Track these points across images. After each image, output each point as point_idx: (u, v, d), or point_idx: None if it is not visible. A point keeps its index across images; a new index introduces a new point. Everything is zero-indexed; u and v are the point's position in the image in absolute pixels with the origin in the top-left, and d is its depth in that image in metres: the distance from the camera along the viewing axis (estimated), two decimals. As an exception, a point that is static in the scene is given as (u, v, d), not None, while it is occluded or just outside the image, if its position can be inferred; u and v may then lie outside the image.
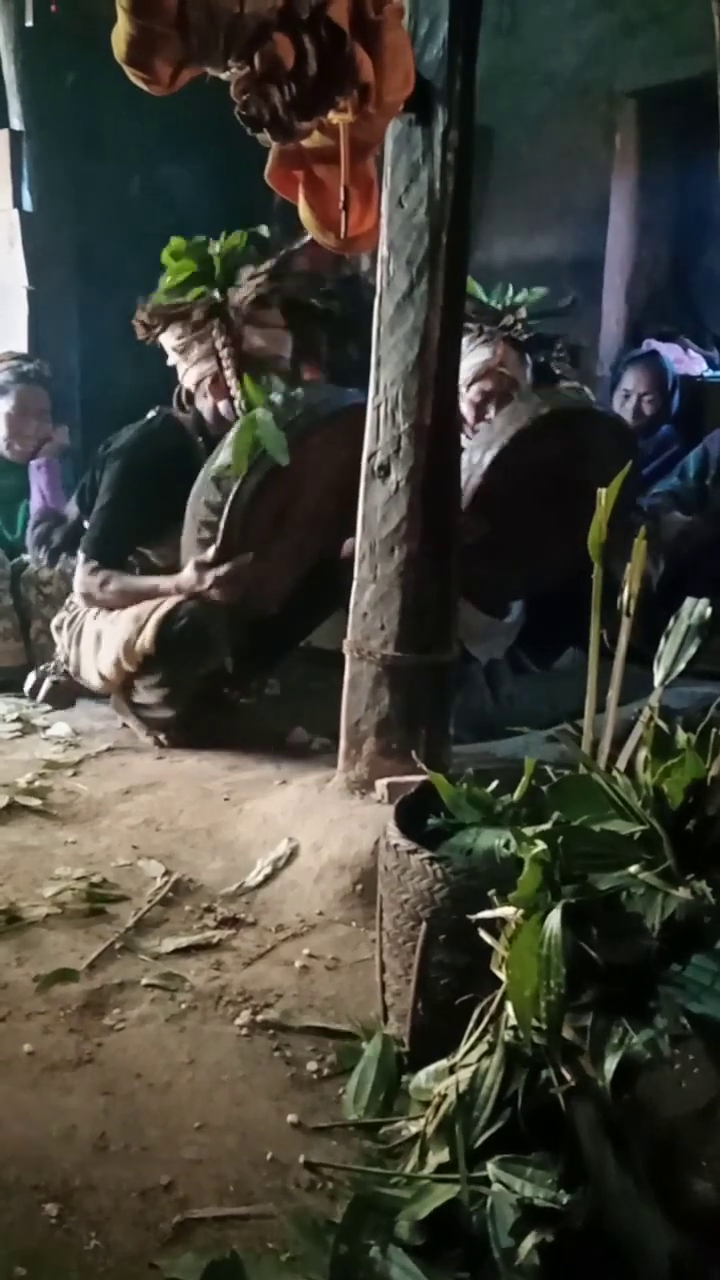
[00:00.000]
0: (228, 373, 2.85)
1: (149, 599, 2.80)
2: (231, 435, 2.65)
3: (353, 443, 2.79)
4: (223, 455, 2.66)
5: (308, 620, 3.09)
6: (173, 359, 2.95)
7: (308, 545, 2.92)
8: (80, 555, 2.96)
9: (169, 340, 2.91)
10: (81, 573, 2.94)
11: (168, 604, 2.76)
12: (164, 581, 2.82)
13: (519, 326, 3.05)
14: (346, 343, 3.39)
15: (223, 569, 2.68)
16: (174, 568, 2.83)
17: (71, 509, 3.41)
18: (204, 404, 2.94)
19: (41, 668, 3.26)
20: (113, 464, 2.94)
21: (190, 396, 2.98)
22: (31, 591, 3.43)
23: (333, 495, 2.87)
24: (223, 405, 2.89)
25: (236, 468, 2.62)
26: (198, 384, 2.92)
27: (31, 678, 3.23)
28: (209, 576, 2.70)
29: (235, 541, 2.68)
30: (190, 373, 2.92)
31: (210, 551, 2.70)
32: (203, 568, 2.72)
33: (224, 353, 2.84)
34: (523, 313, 3.06)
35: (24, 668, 3.36)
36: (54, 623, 3.14)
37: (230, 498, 2.65)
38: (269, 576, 2.85)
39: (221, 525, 2.67)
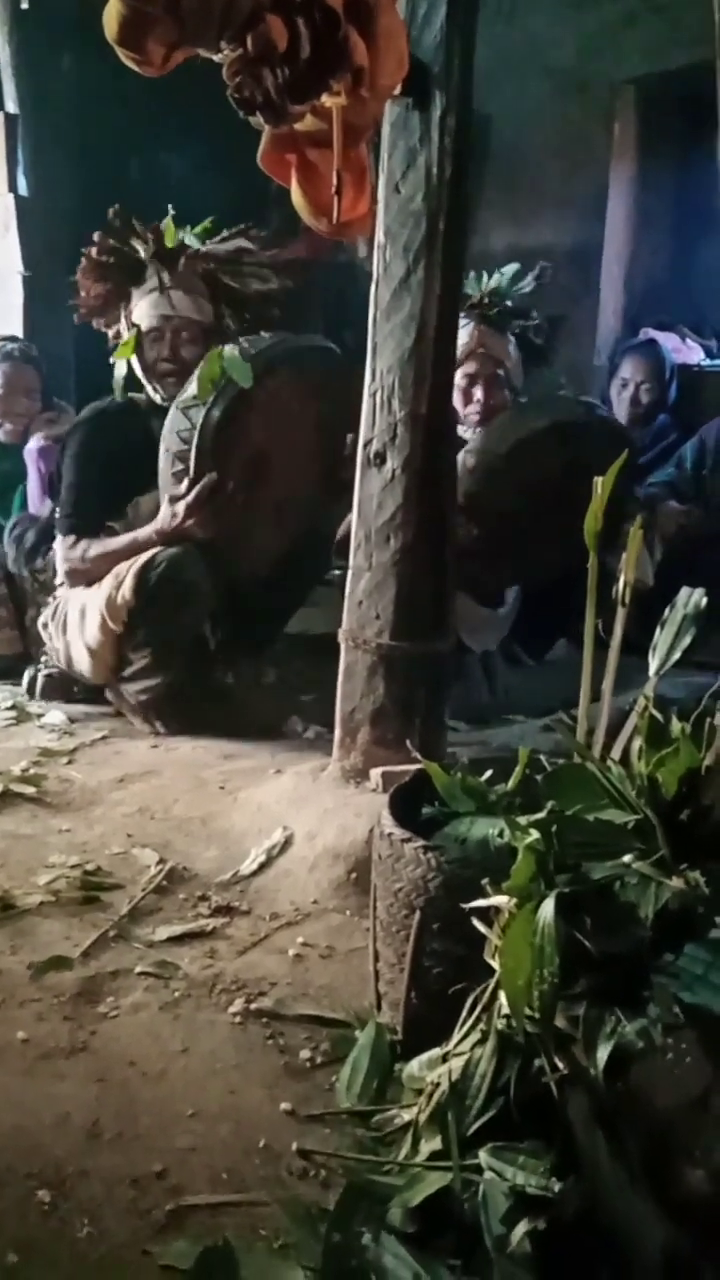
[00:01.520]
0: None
1: (129, 556, 2.82)
2: (199, 367, 2.70)
3: (325, 393, 2.82)
4: (190, 387, 2.72)
5: (293, 594, 3.11)
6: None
7: (290, 509, 2.94)
8: (58, 536, 2.99)
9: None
10: (62, 550, 2.97)
11: (146, 554, 2.79)
12: (141, 531, 2.85)
13: (487, 301, 3.05)
14: (343, 330, 3.39)
15: (191, 495, 2.71)
16: None
17: (45, 508, 3.41)
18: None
19: (35, 666, 3.23)
20: (71, 440, 3.03)
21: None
22: (26, 579, 3.41)
23: (313, 458, 2.90)
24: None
25: (201, 394, 2.67)
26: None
27: (28, 675, 3.19)
28: (181, 506, 2.73)
29: (207, 468, 2.71)
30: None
31: (184, 485, 2.73)
32: (175, 501, 2.75)
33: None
34: (489, 285, 3.05)
35: (19, 655, 3.34)
36: (40, 621, 3.12)
37: (198, 425, 2.69)
38: (251, 532, 2.86)
39: (192, 452, 2.71)
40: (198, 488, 2.71)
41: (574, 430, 2.89)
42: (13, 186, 4.20)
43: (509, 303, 3.09)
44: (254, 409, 2.71)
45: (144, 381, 2.98)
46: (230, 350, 2.67)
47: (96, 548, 2.90)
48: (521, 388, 3.20)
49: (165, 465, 2.78)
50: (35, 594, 3.38)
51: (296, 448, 2.84)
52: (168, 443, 2.77)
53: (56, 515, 3.05)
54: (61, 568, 2.99)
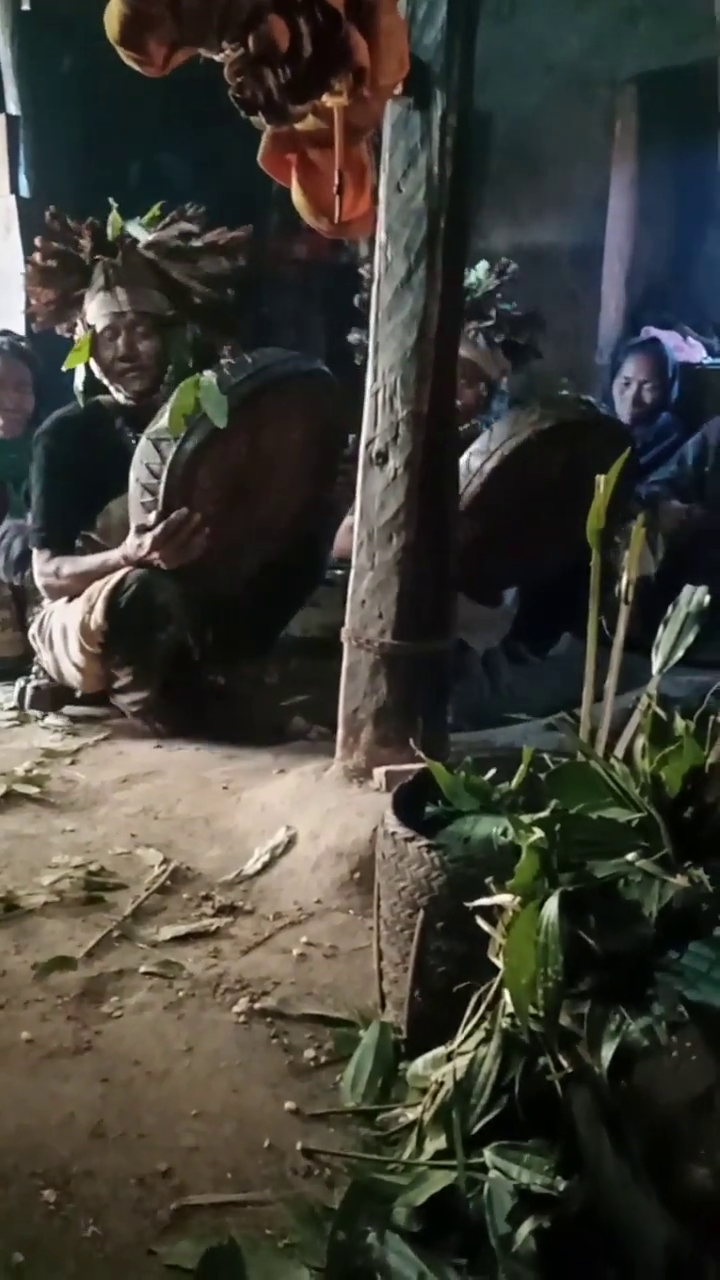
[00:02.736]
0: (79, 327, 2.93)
1: (101, 576, 2.78)
2: (173, 397, 2.61)
3: (317, 415, 2.74)
4: (163, 419, 2.63)
5: (285, 603, 3.07)
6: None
7: (274, 524, 2.90)
8: (33, 550, 2.97)
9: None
10: (37, 565, 2.95)
11: (116, 576, 2.74)
12: (111, 554, 2.80)
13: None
14: (345, 329, 3.38)
15: (159, 529, 2.64)
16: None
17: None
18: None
19: (26, 678, 3.18)
20: (36, 451, 2.98)
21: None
22: (25, 581, 3.40)
23: (304, 475, 2.85)
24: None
25: (173, 429, 2.58)
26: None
27: (18, 686, 3.12)
28: (148, 539, 2.66)
29: (175, 504, 2.63)
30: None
31: (152, 517, 2.66)
32: (143, 532, 2.68)
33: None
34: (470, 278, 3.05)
35: (22, 657, 3.33)
36: (30, 633, 3.10)
37: (168, 461, 2.61)
38: (230, 551, 2.80)
39: (161, 488, 2.63)
40: (163, 524, 2.63)
41: (576, 431, 2.89)
42: (14, 188, 4.20)
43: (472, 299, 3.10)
44: (230, 440, 2.61)
45: (105, 382, 2.92)
46: (209, 378, 2.54)
47: (69, 566, 2.87)
48: (504, 386, 3.22)
49: (134, 493, 2.70)
50: (34, 593, 3.36)
51: (280, 469, 2.77)
52: (137, 472, 2.68)
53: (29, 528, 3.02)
54: (39, 582, 2.96)
